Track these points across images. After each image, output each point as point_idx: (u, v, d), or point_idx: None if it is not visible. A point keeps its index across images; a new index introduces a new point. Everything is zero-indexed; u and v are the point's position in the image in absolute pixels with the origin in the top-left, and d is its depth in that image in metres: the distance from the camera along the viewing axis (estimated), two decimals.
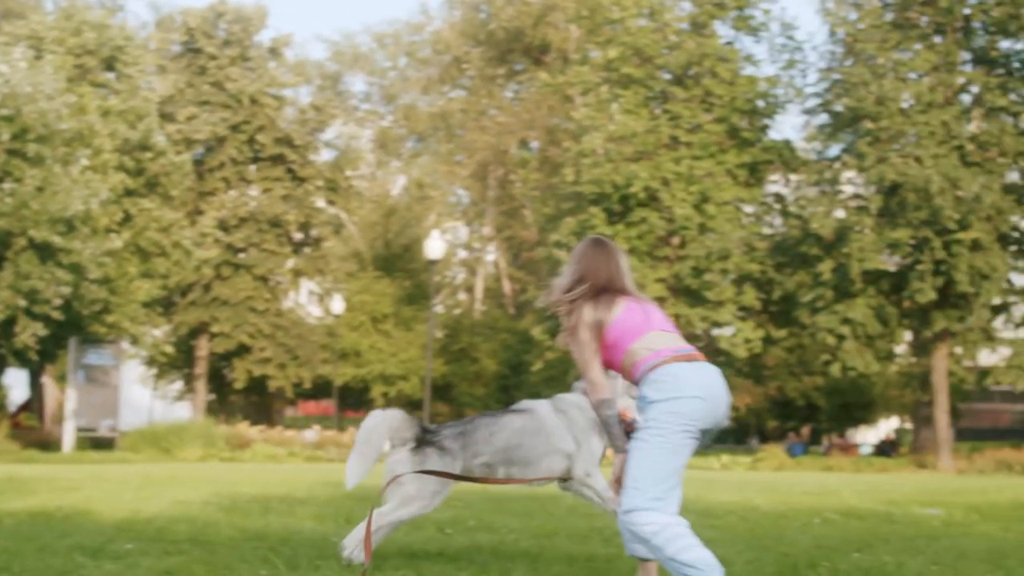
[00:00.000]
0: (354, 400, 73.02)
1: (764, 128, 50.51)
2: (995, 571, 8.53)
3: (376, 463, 8.62)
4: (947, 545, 10.78)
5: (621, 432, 7.23)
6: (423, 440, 8.54)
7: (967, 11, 45.64)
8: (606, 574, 8.01)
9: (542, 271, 59.24)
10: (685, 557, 6.73)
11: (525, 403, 8.84)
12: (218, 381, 65.93)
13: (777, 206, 50.74)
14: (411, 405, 73.48)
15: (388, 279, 70.30)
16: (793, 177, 50.15)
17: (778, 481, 27.78)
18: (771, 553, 9.58)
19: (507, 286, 76.40)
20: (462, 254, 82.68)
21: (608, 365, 7.33)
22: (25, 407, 58.24)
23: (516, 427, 8.63)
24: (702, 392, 6.99)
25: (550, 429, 8.59)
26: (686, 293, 47.85)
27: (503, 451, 8.61)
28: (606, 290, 7.40)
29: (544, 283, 8.07)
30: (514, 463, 8.64)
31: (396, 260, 74.05)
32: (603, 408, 7.26)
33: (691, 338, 48.98)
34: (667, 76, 49.74)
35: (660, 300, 46.41)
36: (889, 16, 46.19)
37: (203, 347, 62.05)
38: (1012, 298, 46.74)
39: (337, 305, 62.29)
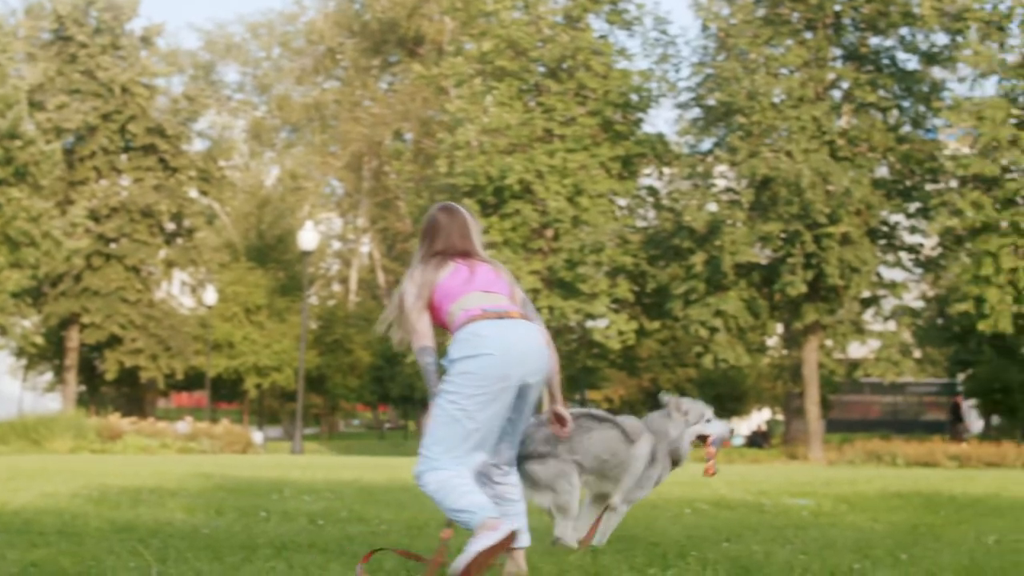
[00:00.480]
0: (227, 392, 72.60)
1: (638, 122, 50.68)
2: (862, 560, 8.62)
3: None
4: (815, 535, 10.88)
5: (436, 380, 7.35)
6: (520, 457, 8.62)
7: (838, 7, 46.18)
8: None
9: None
10: (459, 504, 7.02)
11: (625, 419, 9.21)
12: (89, 372, 65.12)
13: (650, 199, 51.00)
14: (284, 397, 73.26)
15: (261, 270, 69.91)
16: (666, 170, 50.43)
17: None
18: (641, 543, 9.60)
19: (381, 277, 76.23)
20: (336, 245, 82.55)
21: (439, 326, 7.56)
22: None
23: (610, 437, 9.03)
24: (497, 348, 7.18)
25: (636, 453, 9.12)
26: (560, 285, 47.92)
27: (597, 459, 8.94)
28: (441, 254, 7.64)
29: None
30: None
31: (269, 251, 73.66)
32: (421, 355, 7.45)
33: (565, 330, 49.21)
34: (541, 69, 49.77)
35: (534, 292, 46.51)
36: (761, 12, 46.58)
37: (74, 338, 61.20)
38: (881, 291, 47.46)
39: (210, 296, 61.83)
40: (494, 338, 7.21)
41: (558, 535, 8.85)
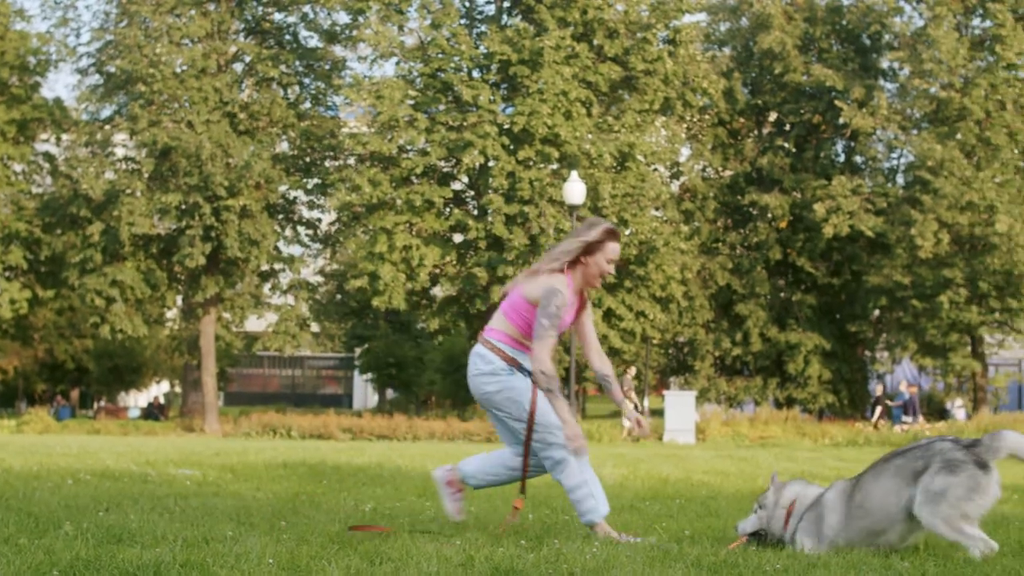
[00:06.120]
0: None
1: (35, 86, 49.55)
2: (238, 527, 8.73)
3: None
4: (196, 504, 10.96)
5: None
6: None
7: None
8: None
9: None
10: None
11: None
12: None
13: (47, 165, 49.90)
14: None
15: None
16: (64, 137, 49.45)
17: (39, 444, 27.38)
18: (16, 513, 9.43)
19: None
20: None
21: None
22: None
23: None
24: None
25: None
26: None
27: None
28: None
29: None
30: None
31: None
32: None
33: None
34: None
35: None
36: None
37: None
38: (279, 265, 48.07)
39: None
40: None
41: None
